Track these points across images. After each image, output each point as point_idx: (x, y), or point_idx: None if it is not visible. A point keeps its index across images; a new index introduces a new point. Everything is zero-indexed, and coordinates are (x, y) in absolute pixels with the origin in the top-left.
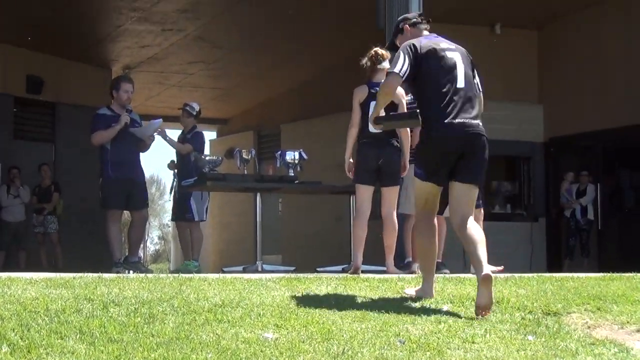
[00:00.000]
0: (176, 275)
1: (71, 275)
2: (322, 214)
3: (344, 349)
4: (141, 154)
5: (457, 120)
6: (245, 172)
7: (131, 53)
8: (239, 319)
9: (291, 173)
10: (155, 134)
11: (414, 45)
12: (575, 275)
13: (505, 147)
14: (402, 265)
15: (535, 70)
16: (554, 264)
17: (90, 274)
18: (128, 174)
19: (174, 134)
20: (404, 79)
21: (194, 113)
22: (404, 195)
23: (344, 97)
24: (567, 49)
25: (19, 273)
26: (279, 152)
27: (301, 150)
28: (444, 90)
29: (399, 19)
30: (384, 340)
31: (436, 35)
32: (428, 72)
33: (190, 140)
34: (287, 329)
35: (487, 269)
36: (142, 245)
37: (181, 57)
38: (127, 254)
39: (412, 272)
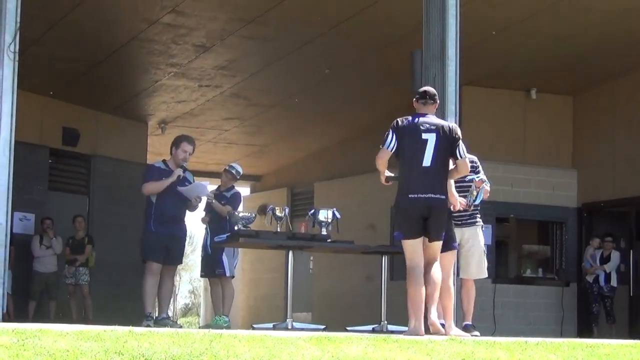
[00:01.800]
0: (206, 331)
1: (102, 328)
2: (353, 273)
3: None
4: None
5: (417, 196)
6: (278, 230)
7: (167, 108)
8: None
9: (324, 232)
10: (203, 196)
11: (397, 122)
12: (607, 341)
13: (539, 211)
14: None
15: (569, 135)
16: (585, 330)
17: (120, 328)
18: (170, 229)
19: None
20: (392, 151)
21: (238, 177)
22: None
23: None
24: (601, 115)
25: (49, 324)
26: (312, 211)
27: (334, 209)
28: (411, 167)
29: None
30: None
31: (427, 114)
32: (402, 148)
33: (229, 199)
34: None
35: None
36: (172, 299)
37: (217, 113)
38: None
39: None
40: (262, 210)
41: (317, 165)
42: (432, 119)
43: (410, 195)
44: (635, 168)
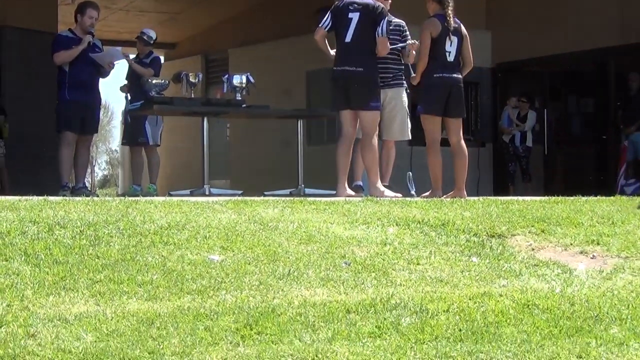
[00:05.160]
0: (122, 198)
1: (16, 198)
2: (270, 138)
3: (289, 271)
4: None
5: (337, 69)
6: (193, 96)
7: None
8: (185, 241)
9: (238, 97)
10: (116, 61)
11: (334, 4)
12: (520, 198)
13: None
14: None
15: None
16: (501, 189)
17: (35, 197)
18: (85, 97)
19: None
20: (327, 30)
21: (151, 42)
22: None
23: (292, 22)
24: None
25: None
26: (226, 76)
27: (248, 73)
28: (338, 43)
29: None
30: (330, 262)
31: None
32: (335, 27)
33: (150, 64)
34: (233, 251)
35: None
36: (89, 171)
37: None
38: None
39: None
40: (177, 77)
41: (231, 32)
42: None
43: (334, 68)
44: (548, 28)
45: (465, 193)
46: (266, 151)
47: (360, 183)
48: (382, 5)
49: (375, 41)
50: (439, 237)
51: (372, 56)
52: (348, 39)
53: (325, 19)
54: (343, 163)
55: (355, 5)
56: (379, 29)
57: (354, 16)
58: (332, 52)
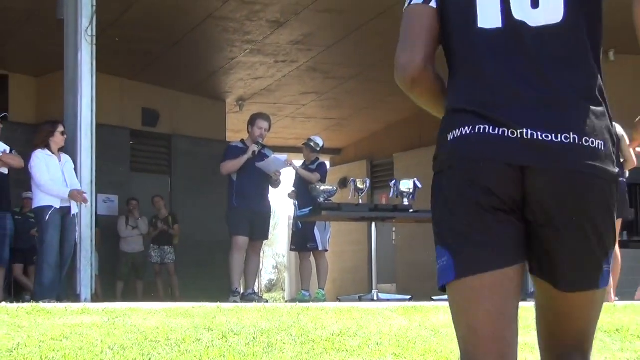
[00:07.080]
0: (293, 304)
1: (190, 304)
2: None
3: None
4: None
5: None
6: (360, 202)
7: (244, 85)
8: (357, 347)
9: (405, 202)
10: (282, 169)
11: None
12: None
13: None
14: None
15: None
16: None
17: (208, 304)
18: (251, 205)
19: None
20: None
21: (318, 149)
22: None
23: None
24: None
25: (138, 303)
26: (394, 182)
27: (416, 179)
28: None
29: None
30: None
31: None
32: None
33: (315, 170)
34: (405, 358)
35: None
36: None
37: (294, 88)
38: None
39: None
40: (343, 183)
41: (395, 136)
42: None
43: None
44: None
45: (612, 297)
46: (433, 255)
47: None
48: None
49: None
50: (613, 344)
51: None
52: None
53: None
54: None
55: None
56: None
57: None
58: None
